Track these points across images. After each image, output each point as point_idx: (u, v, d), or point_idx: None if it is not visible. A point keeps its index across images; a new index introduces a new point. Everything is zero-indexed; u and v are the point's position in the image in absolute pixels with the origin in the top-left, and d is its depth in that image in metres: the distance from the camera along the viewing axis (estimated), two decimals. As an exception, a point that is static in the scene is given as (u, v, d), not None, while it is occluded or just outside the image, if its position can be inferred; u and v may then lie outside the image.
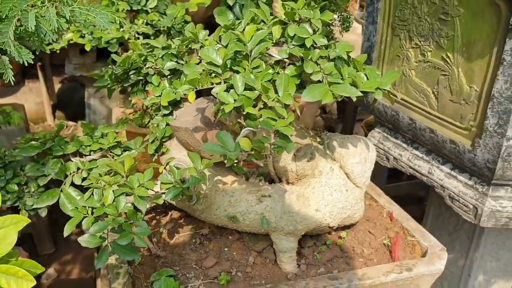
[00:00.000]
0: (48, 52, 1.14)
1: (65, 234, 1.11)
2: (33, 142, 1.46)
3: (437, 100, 1.59)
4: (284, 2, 1.13)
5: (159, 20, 2.36)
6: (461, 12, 1.43)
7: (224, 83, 1.10)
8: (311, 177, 1.37)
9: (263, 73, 1.08)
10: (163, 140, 1.43)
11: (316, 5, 1.12)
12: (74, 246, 2.51)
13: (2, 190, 1.38)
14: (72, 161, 1.39)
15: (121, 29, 2.25)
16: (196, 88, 1.13)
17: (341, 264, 1.38)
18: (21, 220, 0.78)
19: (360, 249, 1.44)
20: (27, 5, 0.92)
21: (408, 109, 1.72)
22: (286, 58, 1.13)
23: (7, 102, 2.96)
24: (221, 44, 1.17)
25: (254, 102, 1.07)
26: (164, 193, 1.21)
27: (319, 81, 1.09)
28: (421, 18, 1.58)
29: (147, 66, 1.47)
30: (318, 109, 3.06)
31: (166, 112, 1.39)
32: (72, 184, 1.32)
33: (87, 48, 2.46)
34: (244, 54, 1.12)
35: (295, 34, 1.09)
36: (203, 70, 1.14)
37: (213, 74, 1.13)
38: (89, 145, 1.45)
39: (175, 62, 1.44)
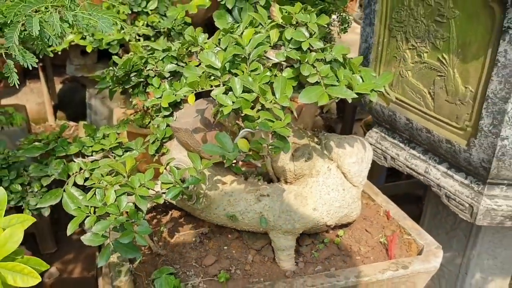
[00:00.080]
0: (51, 55, 1.16)
1: (68, 233, 1.13)
2: (36, 143, 1.48)
3: (433, 100, 1.61)
4: (281, 7, 1.15)
5: (159, 21, 2.38)
6: (457, 14, 1.45)
7: (223, 86, 1.12)
8: (309, 176, 1.39)
9: (261, 76, 1.10)
10: (164, 140, 1.44)
11: (313, 9, 1.14)
12: (76, 245, 2.53)
13: (6, 190, 1.40)
14: (74, 161, 1.40)
15: (122, 31, 2.27)
16: (195, 91, 1.15)
17: (338, 262, 1.40)
18: (27, 219, 0.80)
19: (357, 247, 1.46)
20: (31, 11, 0.94)
21: (405, 109, 1.74)
22: (283, 61, 1.15)
23: (9, 103, 2.98)
24: (220, 47, 1.19)
25: (252, 104, 1.09)
26: (164, 192, 1.23)
27: (317, 82, 1.12)
28: (417, 20, 1.60)
29: (147, 68, 1.49)
30: (318, 109, 3.08)
31: (167, 113, 1.41)
32: (75, 184, 1.33)
33: (88, 49, 2.47)
34: (242, 57, 1.14)
35: (292, 38, 1.11)
36: (203, 72, 1.16)
37: (212, 77, 1.15)
38: (91, 146, 1.46)
39: (175, 64, 1.45)
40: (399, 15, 1.67)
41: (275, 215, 1.33)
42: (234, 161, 1.09)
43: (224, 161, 1.10)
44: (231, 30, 1.22)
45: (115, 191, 1.17)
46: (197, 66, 1.24)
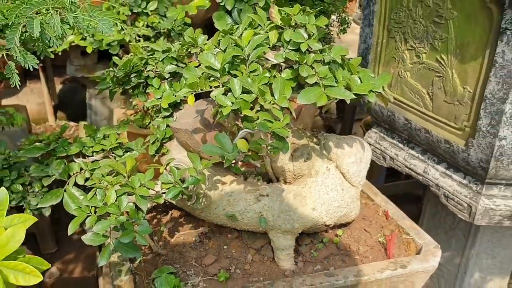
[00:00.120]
0: (52, 56, 1.16)
1: (69, 232, 1.14)
2: (37, 143, 1.49)
3: (431, 101, 1.61)
4: (280, 8, 1.16)
5: (159, 22, 2.38)
6: (455, 15, 1.45)
7: (222, 87, 1.13)
8: (308, 176, 1.40)
9: (260, 77, 1.11)
10: (164, 141, 1.45)
11: (311, 11, 1.15)
12: (76, 245, 2.54)
13: (7, 190, 1.41)
14: (75, 162, 1.41)
15: (122, 32, 2.28)
16: (195, 92, 1.16)
17: (337, 261, 1.41)
18: (29, 219, 0.81)
19: (356, 247, 1.47)
20: (33, 12, 0.95)
21: (403, 109, 1.74)
22: (282, 62, 1.16)
23: (9, 103, 2.99)
24: (220, 49, 1.20)
25: (251, 105, 1.09)
26: (164, 192, 1.24)
27: (315, 83, 1.12)
28: (416, 20, 1.60)
29: (148, 69, 1.50)
30: (317, 109, 3.09)
31: (167, 114, 1.42)
32: (76, 184, 1.34)
33: (89, 50, 2.48)
34: (241, 58, 1.15)
35: (290, 39, 1.12)
36: (202, 73, 1.17)
37: (212, 78, 1.16)
38: (92, 146, 1.47)
39: (175, 65, 1.46)
40: (398, 16, 1.68)
41: (275, 215, 1.34)
42: (234, 161, 1.10)
43: (224, 161, 1.11)
44: (231, 32, 1.22)
45: (115, 191, 1.18)
46: (197, 67, 1.25)
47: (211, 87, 1.15)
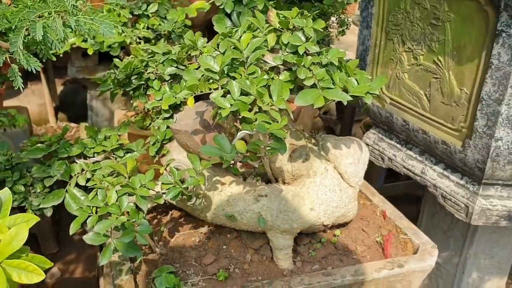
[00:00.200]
0: (54, 59, 1.18)
1: (71, 232, 1.16)
2: (39, 144, 1.50)
3: (429, 102, 1.63)
4: (278, 11, 1.18)
5: (160, 24, 2.40)
6: (452, 17, 1.47)
7: (221, 89, 1.15)
8: (306, 177, 1.41)
9: (258, 79, 1.13)
10: (164, 142, 1.47)
11: (309, 14, 1.16)
12: (77, 246, 2.55)
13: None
14: (76, 163, 1.43)
15: (123, 34, 2.30)
16: (194, 94, 1.17)
17: (335, 261, 1.42)
18: (31, 218, 0.83)
19: (353, 247, 1.48)
20: (35, 16, 0.97)
21: (401, 110, 1.76)
22: (280, 64, 1.18)
23: (10, 104, 3.00)
24: (219, 51, 1.22)
25: (249, 107, 1.11)
26: (164, 193, 1.26)
27: (314, 85, 1.14)
28: (414, 23, 1.62)
29: (148, 71, 1.51)
30: (317, 110, 3.11)
31: (167, 115, 1.44)
32: (77, 185, 1.36)
33: (90, 52, 2.50)
34: (240, 61, 1.17)
35: (288, 42, 1.14)
36: (202, 75, 1.19)
37: (211, 80, 1.18)
38: (93, 148, 1.48)
39: (175, 67, 1.48)
40: (396, 18, 1.69)
41: (273, 215, 1.36)
42: (232, 162, 1.12)
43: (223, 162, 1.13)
44: (230, 35, 1.24)
45: (116, 191, 1.20)
46: (197, 69, 1.26)
47: (210, 89, 1.17)
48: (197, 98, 1.29)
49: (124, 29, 1.31)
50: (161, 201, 1.27)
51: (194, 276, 1.35)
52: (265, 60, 1.18)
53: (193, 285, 1.31)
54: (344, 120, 3.26)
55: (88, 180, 1.36)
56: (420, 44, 1.61)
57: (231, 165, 1.14)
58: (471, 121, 1.47)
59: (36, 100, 3.72)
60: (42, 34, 0.96)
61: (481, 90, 1.40)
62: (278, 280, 1.31)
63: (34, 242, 2.51)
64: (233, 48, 1.17)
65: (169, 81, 1.50)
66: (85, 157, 1.48)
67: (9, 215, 0.85)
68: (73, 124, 3.67)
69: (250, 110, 1.11)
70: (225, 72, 1.18)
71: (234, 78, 1.15)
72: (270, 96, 1.11)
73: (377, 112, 1.87)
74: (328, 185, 1.40)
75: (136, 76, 1.54)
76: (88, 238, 1.14)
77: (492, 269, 1.90)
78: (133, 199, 1.21)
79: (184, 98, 1.32)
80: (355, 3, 4.05)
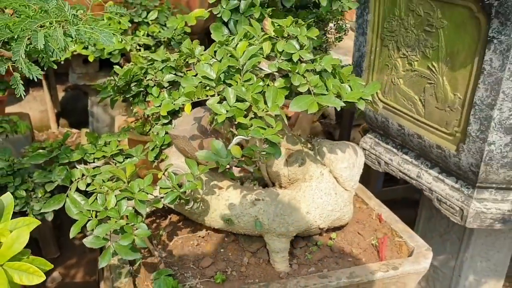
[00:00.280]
0: (55, 67, 1.21)
1: (71, 235, 1.18)
2: (40, 150, 1.53)
3: (424, 107, 1.65)
4: (273, 20, 1.21)
5: (159, 31, 2.43)
6: (445, 24, 1.50)
7: (218, 95, 1.17)
8: (302, 181, 1.44)
9: (254, 86, 1.15)
10: (163, 147, 1.48)
11: (303, 23, 1.19)
12: (78, 250, 2.57)
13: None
14: (77, 168, 1.45)
15: (123, 41, 2.33)
16: (192, 100, 1.20)
17: (331, 263, 1.44)
18: (32, 222, 0.86)
19: (349, 250, 1.50)
20: (37, 26, 1.00)
21: (397, 115, 1.78)
22: (275, 72, 1.21)
23: (12, 111, 3.03)
24: (216, 59, 1.24)
25: (245, 113, 1.14)
26: (162, 197, 1.28)
27: (308, 91, 1.17)
28: (408, 29, 1.65)
29: (147, 78, 1.54)
30: (314, 115, 3.12)
31: (165, 121, 1.46)
32: (77, 190, 1.38)
33: (90, 59, 2.52)
34: (236, 68, 1.20)
35: (283, 50, 1.16)
36: (199, 82, 1.22)
37: (208, 87, 1.20)
38: (93, 153, 1.50)
39: (173, 74, 1.51)
40: (391, 25, 1.72)
41: (270, 219, 1.38)
42: (228, 166, 1.14)
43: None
44: (226, 43, 1.27)
45: (115, 196, 1.22)
46: (195, 76, 1.29)
47: (207, 96, 1.20)
48: (196, 104, 1.32)
49: (124, 37, 1.34)
50: (160, 206, 1.29)
51: (192, 278, 1.37)
52: (260, 67, 1.21)
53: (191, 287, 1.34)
54: (343, 125, 3.28)
55: (88, 185, 1.38)
56: (415, 50, 1.63)
57: (227, 170, 1.16)
58: (465, 125, 1.49)
59: (37, 106, 3.74)
60: (44, 43, 0.99)
61: (474, 95, 1.43)
62: (275, 282, 1.32)
63: (36, 247, 2.52)
64: (230, 56, 1.20)
65: (168, 88, 1.53)
66: (86, 163, 1.50)
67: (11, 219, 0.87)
68: (74, 130, 3.69)
69: (245, 116, 1.14)
70: (222, 79, 1.21)
71: (230, 85, 1.17)
72: (265, 103, 1.14)
73: (373, 117, 1.90)
74: (324, 189, 1.42)
75: (135, 83, 1.56)
76: (87, 241, 1.16)
77: (488, 272, 1.91)
78: (132, 203, 1.24)
79: (183, 105, 1.35)
80: (354, 10, 4.08)
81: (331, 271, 1.37)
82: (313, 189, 1.41)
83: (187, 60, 1.44)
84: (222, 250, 1.48)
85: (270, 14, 1.38)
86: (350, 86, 1.20)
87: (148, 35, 2.43)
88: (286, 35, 1.18)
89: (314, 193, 1.41)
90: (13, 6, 1.07)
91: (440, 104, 1.58)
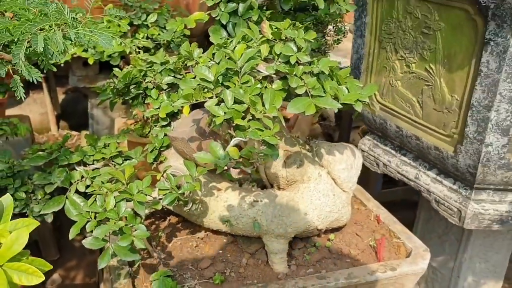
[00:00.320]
0: (54, 69, 1.22)
1: (70, 237, 1.19)
2: (40, 152, 1.53)
3: (421, 108, 1.66)
4: (271, 23, 1.22)
5: (159, 34, 2.43)
6: (442, 26, 1.50)
7: (216, 97, 1.18)
8: (301, 182, 1.44)
9: (251, 88, 1.16)
10: (162, 149, 1.49)
11: (300, 26, 1.20)
12: (78, 252, 2.57)
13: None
14: (76, 170, 1.45)
15: (123, 44, 2.34)
16: (190, 102, 1.21)
17: (329, 264, 1.45)
18: (32, 223, 0.86)
19: (347, 251, 1.51)
20: (37, 29, 1.01)
21: (395, 117, 1.79)
22: (273, 74, 1.22)
23: (12, 113, 3.04)
24: (214, 61, 1.25)
25: (243, 114, 1.15)
26: (161, 198, 1.29)
27: (306, 93, 1.18)
28: (406, 31, 1.65)
29: (146, 80, 1.55)
30: (316, 116, 3.13)
31: (164, 123, 1.47)
32: (77, 192, 1.38)
33: (90, 61, 2.53)
34: (234, 70, 1.21)
35: (281, 52, 1.17)
36: (198, 85, 1.23)
37: (206, 89, 1.21)
38: (93, 155, 1.50)
39: (172, 76, 1.51)
40: (388, 27, 1.73)
41: (268, 220, 1.38)
42: (226, 168, 1.15)
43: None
44: (225, 45, 1.28)
45: (114, 197, 1.23)
46: (193, 78, 1.30)
47: (205, 98, 1.21)
48: (195, 107, 1.33)
49: (123, 40, 1.35)
50: (159, 207, 1.29)
51: (191, 279, 1.37)
52: (258, 69, 1.22)
53: (190, 289, 1.34)
54: (342, 127, 3.29)
55: (87, 186, 1.39)
56: (412, 53, 1.64)
57: (225, 171, 1.17)
58: (462, 127, 1.49)
59: (38, 108, 3.75)
60: (43, 46, 0.99)
61: (471, 97, 1.43)
62: (273, 283, 1.33)
63: (36, 249, 2.52)
64: (228, 58, 1.20)
65: (167, 90, 1.54)
66: (85, 164, 1.51)
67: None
68: (74, 132, 3.70)
69: (243, 118, 1.15)
70: (220, 82, 1.22)
71: (228, 87, 1.18)
72: (263, 104, 1.15)
73: (371, 118, 1.90)
74: (322, 190, 1.43)
75: (134, 85, 1.57)
76: (87, 242, 1.17)
77: (487, 273, 1.91)
78: (131, 205, 1.24)
79: (181, 107, 1.36)
80: (353, 12, 4.09)
81: (329, 272, 1.38)
82: (311, 191, 1.42)
83: (185, 62, 1.45)
84: (220, 251, 1.49)
85: (269, 17, 1.39)
86: (347, 88, 1.21)
87: (147, 37, 2.44)
88: (284, 38, 1.19)
89: (312, 195, 1.42)
90: (13, 10, 1.08)
91: (438, 106, 1.58)
